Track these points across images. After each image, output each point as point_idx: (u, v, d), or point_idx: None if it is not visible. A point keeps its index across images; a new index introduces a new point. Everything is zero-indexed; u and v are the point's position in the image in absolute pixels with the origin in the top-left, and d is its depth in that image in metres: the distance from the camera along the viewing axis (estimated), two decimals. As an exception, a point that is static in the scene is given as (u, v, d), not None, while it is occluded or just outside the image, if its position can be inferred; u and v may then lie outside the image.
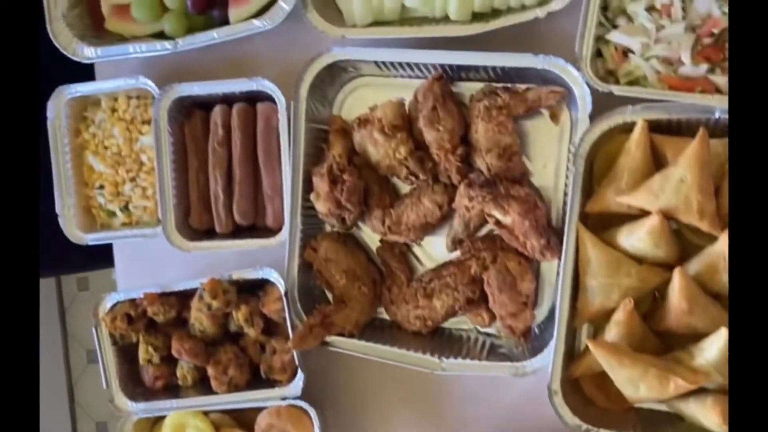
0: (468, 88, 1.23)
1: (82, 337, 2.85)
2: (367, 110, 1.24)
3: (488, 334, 1.25)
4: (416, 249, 1.28)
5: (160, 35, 1.33)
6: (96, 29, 1.37)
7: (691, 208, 1.04)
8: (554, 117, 1.20)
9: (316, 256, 1.25)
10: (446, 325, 1.26)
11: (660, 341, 1.12)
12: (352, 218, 1.24)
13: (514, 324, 1.17)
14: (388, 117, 1.20)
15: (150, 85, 1.30)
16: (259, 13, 1.25)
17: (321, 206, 1.22)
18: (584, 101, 1.12)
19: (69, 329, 2.87)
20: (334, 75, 1.26)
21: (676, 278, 1.05)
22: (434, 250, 1.27)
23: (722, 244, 1.04)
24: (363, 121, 1.22)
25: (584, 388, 1.16)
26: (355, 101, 1.29)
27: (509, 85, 1.19)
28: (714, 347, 1.03)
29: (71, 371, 2.89)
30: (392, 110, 1.20)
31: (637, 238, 1.08)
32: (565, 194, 1.18)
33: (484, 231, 1.24)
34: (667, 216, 1.06)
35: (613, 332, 1.10)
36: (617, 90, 1.09)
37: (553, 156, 1.21)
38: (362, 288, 1.24)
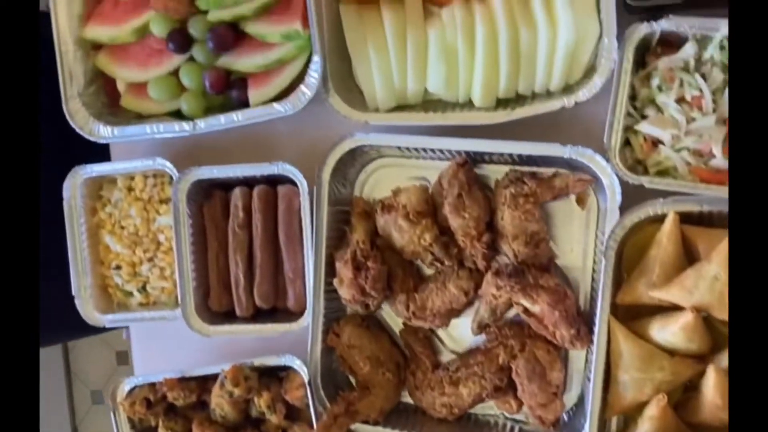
0: (492, 171, 1.22)
1: (85, 377, 2.83)
2: (389, 192, 1.23)
3: (516, 420, 1.23)
4: (440, 331, 1.26)
5: (177, 113, 1.31)
6: (112, 107, 1.34)
7: (725, 306, 1.02)
8: (581, 201, 1.18)
9: (339, 341, 1.23)
10: (473, 410, 1.24)
11: (692, 434, 1.10)
12: (376, 304, 1.22)
13: (543, 414, 1.15)
14: (413, 203, 1.18)
15: (168, 166, 1.28)
16: (278, 96, 1.23)
17: (345, 293, 1.20)
18: (613, 192, 1.10)
19: (72, 369, 2.84)
20: (356, 157, 1.24)
21: (711, 375, 1.03)
22: (458, 333, 1.25)
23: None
24: (387, 207, 1.20)
25: (616, 481, 1.15)
26: (377, 181, 1.27)
27: (535, 169, 1.18)
28: (749, 444, 1.01)
29: (75, 412, 2.87)
30: (416, 196, 1.19)
31: (670, 332, 1.06)
32: (593, 279, 1.17)
33: (510, 313, 1.22)
34: (700, 310, 1.05)
35: (646, 426, 1.08)
36: (648, 182, 1.08)
37: (580, 239, 1.19)
38: (386, 374, 1.22)
